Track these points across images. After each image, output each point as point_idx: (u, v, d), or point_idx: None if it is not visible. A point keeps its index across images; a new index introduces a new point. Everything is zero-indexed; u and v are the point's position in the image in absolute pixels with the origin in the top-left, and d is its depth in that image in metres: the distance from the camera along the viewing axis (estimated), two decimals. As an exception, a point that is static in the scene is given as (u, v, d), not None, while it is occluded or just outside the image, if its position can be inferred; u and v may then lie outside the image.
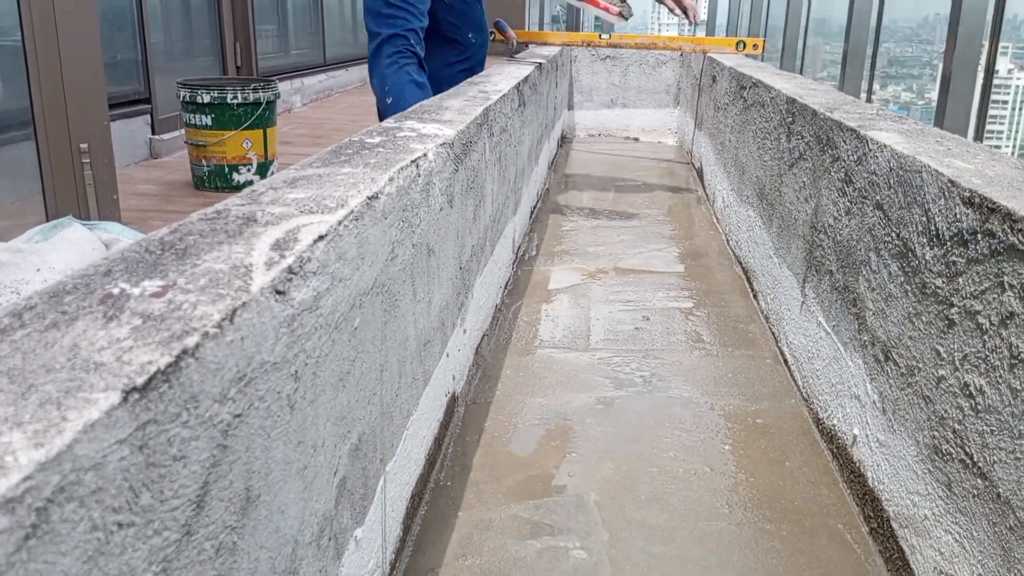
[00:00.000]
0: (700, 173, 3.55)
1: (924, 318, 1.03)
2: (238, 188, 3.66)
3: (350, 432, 0.83)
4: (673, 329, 1.90)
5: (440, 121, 1.43)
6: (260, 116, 3.67)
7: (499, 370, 1.67)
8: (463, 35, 2.49)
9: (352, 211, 0.80)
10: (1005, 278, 0.84)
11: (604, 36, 3.38)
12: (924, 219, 1.05)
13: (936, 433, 0.98)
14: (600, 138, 4.68)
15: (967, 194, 0.94)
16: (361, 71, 7.95)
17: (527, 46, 3.45)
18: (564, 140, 4.61)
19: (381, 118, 2.11)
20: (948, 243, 0.98)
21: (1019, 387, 0.80)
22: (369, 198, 0.86)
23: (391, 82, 2.13)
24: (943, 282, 0.99)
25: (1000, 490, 0.83)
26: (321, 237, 0.71)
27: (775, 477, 1.30)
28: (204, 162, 3.68)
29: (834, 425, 1.36)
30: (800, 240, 1.67)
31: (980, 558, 0.86)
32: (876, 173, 1.24)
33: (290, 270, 0.64)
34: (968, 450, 0.90)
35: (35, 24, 2.55)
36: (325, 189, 0.87)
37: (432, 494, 1.24)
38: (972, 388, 0.89)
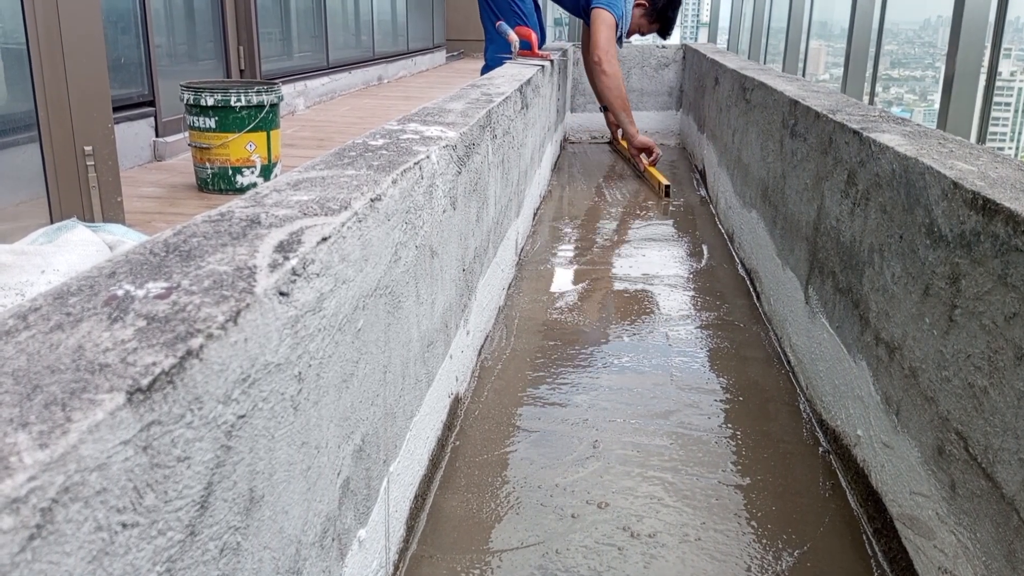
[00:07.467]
0: (703, 175, 3.55)
1: (928, 319, 1.03)
2: (242, 190, 3.67)
3: (353, 433, 0.83)
4: (676, 331, 1.90)
5: (443, 123, 1.43)
6: (264, 119, 3.68)
7: (503, 371, 1.67)
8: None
9: (355, 213, 0.81)
10: (1009, 279, 0.84)
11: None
12: (927, 221, 1.05)
13: (940, 434, 0.98)
14: (603, 140, 4.68)
15: (970, 196, 0.94)
16: (364, 74, 7.95)
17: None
18: (567, 142, 4.60)
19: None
20: (951, 244, 0.98)
21: (1023, 388, 0.80)
22: (372, 200, 0.87)
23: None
24: (946, 284, 0.98)
25: (1004, 491, 0.82)
26: (324, 239, 0.72)
27: (778, 478, 1.30)
28: (208, 164, 3.68)
29: (837, 426, 1.36)
30: (803, 242, 1.67)
31: (984, 559, 0.86)
32: (879, 175, 1.24)
33: (293, 272, 0.65)
34: (972, 451, 0.90)
35: (39, 27, 2.55)
36: (328, 191, 0.87)
37: (436, 495, 1.24)
38: (976, 389, 0.89)
